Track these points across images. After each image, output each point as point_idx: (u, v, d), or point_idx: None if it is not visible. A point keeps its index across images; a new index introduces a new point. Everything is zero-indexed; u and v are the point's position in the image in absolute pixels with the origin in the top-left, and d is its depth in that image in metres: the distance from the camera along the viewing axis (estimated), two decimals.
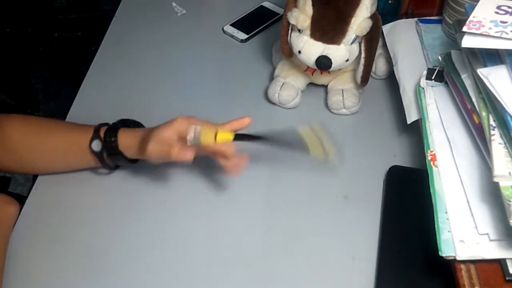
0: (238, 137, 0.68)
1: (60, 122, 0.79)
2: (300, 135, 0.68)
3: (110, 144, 0.70)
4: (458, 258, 0.58)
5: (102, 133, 0.71)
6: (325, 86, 0.90)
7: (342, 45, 0.79)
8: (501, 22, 0.60)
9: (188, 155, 0.66)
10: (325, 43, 0.78)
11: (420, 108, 0.75)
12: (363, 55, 0.81)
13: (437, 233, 0.60)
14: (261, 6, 1.08)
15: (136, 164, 0.75)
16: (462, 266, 0.58)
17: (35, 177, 0.78)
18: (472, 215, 0.60)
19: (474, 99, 0.66)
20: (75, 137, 0.72)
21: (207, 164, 0.80)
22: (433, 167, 0.66)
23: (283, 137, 0.69)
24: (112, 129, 0.71)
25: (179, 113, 0.87)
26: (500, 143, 0.58)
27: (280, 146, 0.69)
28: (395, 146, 0.81)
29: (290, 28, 0.82)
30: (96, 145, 0.71)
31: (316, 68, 0.81)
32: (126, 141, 0.70)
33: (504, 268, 0.57)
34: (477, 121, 0.65)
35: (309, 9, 0.78)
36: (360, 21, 0.77)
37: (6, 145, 0.71)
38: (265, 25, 1.04)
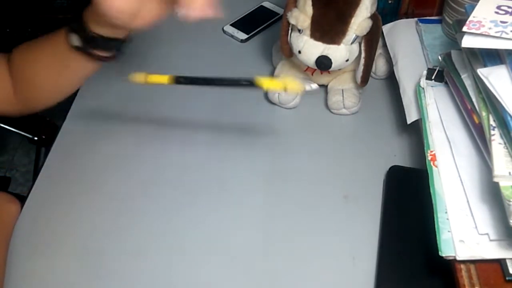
0: (180, 80, 0.63)
1: (40, 39, 0.74)
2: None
3: (82, 31, 0.65)
4: (458, 258, 0.58)
5: (70, 28, 0.66)
6: (325, 86, 0.90)
7: (342, 45, 0.79)
8: (501, 22, 0.60)
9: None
10: (325, 43, 0.78)
11: (420, 108, 0.75)
12: (363, 55, 0.81)
13: (437, 233, 0.60)
14: (261, 6, 1.08)
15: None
16: (462, 266, 0.58)
17: (35, 177, 0.78)
18: (472, 215, 0.60)
19: (474, 99, 0.66)
20: (53, 45, 0.69)
21: (207, 164, 0.80)
22: (433, 167, 0.66)
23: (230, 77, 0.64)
24: (75, 18, 0.65)
25: (178, 112, 0.88)
26: (500, 143, 0.58)
27: (225, 84, 0.65)
28: (395, 146, 0.81)
29: (290, 28, 0.82)
30: (73, 39, 0.66)
31: (316, 68, 0.81)
32: (90, 16, 0.64)
33: (504, 268, 0.57)
34: (477, 121, 0.65)
35: (309, 9, 0.78)
36: (360, 21, 0.77)
37: (14, 72, 0.71)
38: (265, 25, 1.04)
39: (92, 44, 0.67)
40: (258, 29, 1.03)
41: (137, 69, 0.96)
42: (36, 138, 1.15)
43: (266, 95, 0.88)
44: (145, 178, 0.78)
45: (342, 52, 0.79)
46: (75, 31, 0.66)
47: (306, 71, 0.88)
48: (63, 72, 0.72)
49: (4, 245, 0.68)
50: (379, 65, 0.90)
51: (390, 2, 0.95)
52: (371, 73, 0.88)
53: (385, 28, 0.91)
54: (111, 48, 0.69)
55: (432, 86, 0.76)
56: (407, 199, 0.72)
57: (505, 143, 0.58)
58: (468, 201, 0.62)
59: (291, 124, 0.87)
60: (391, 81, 0.90)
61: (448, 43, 0.86)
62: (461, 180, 0.64)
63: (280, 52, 0.87)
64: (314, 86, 0.65)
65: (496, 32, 0.59)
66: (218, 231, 0.72)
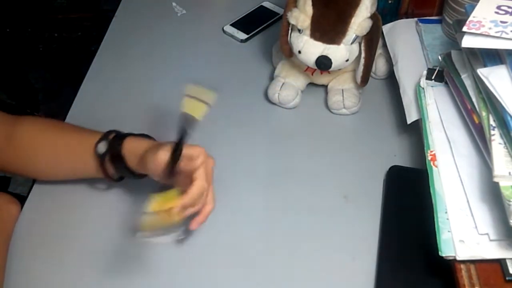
0: (170, 166, 0.61)
1: (71, 125, 0.76)
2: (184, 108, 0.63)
3: (114, 147, 0.66)
4: (458, 258, 0.58)
5: (111, 136, 0.68)
6: (325, 86, 0.90)
7: (342, 45, 0.79)
8: (501, 22, 0.60)
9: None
10: (325, 43, 0.78)
11: (420, 108, 0.75)
12: (363, 55, 0.81)
13: (437, 233, 0.60)
14: (261, 6, 1.08)
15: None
16: (462, 266, 0.58)
17: None
18: (472, 215, 0.60)
19: (474, 99, 0.66)
20: (83, 137, 0.70)
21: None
22: (433, 167, 0.66)
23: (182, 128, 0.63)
24: (121, 135, 0.68)
25: (178, 112, 0.88)
26: (500, 143, 0.58)
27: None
28: (395, 146, 0.81)
29: (290, 28, 0.82)
30: (102, 147, 0.67)
31: (316, 68, 0.81)
32: (130, 147, 0.66)
33: (504, 268, 0.57)
34: (477, 121, 0.65)
35: (309, 9, 0.78)
36: (360, 21, 0.77)
37: (16, 144, 0.70)
38: (265, 25, 1.04)
39: (113, 163, 0.68)
40: (258, 29, 1.03)
41: (137, 69, 0.97)
42: None
43: (266, 95, 0.88)
44: (145, 178, 0.77)
45: (342, 52, 0.79)
46: (107, 141, 0.67)
47: (306, 71, 0.88)
48: (70, 164, 0.72)
49: (4, 245, 0.68)
50: (379, 65, 0.90)
51: (390, 2, 0.95)
52: (371, 73, 0.88)
53: (385, 28, 0.91)
54: (127, 175, 0.70)
55: (432, 86, 0.76)
56: (407, 199, 0.72)
57: (505, 143, 0.58)
58: (468, 201, 0.62)
59: (291, 124, 0.87)
60: (391, 81, 0.90)
61: (448, 43, 0.86)
62: (461, 180, 0.64)
63: (280, 52, 0.87)
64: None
65: (496, 32, 0.59)
66: (218, 231, 0.71)
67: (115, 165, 0.68)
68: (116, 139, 0.67)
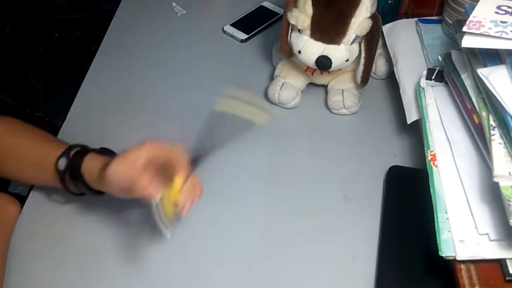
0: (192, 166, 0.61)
1: (43, 133, 0.74)
2: (222, 112, 0.63)
3: (73, 164, 0.65)
4: (458, 258, 0.58)
5: (72, 153, 0.66)
6: (325, 86, 0.90)
7: (342, 45, 0.79)
8: (501, 22, 0.60)
9: (155, 191, 0.58)
10: (325, 43, 0.78)
11: (420, 108, 0.75)
12: (363, 55, 0.81)
13: (437, 233, 0.60)
14: (261, 6, 1.08)
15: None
16: (462, 266, 0.58)
17: None
18: (472, 215, 0.60)
19: (474, 99, 0.66)
20: (47, 150, 0.69)
21: (206, 163, 0.80)
22: (433, 167, 0.66)
23: (221, 134, 0.64)
24: (82, 151, 0.66)
25: (178, 112, 0.88)
26: (500, 143, 0.58)
27: (226, 142, 0.63)
28: (395, 146, 0.81)
29: (290, 28, 0.82)
30: (62, 163, 0.66)
31: (316, 68, 0.81)
32: (90, 164, 0.65)
33: (504, 268, 0.57)
34: (477, 121, 0.65)
35: (309, 9, 0.78)
36: (360, 21, 0.77)
37: None
38: (265, 25, 1.04)
39: (73, 180, 0.66)
40: (258, 29, 1.03)
41: (137, 69, 0.97)
42: None
43: (266, 95, 0.88)
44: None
45: (342, 52, 0.79)
46: (67, 158, 0.66)
47: (306, 71, 0.88)
48: (34, 174, 0.71)
49: (4, 245, 0.68)
50: (379, 65, 0.90)
51: (390, 2, 0.95)
52: (371, 73, 0.88)
53: (385, 28, 0.91)
54: (86, 192, 0.68)
55: (432, 86, 0.76)
56: (407, 199, 0.72)
57: (505, 143, 0.58)
58: (468, 201, 0.62)
59: (291, 124, 0.87)
60: (391, 81, 0.90)
61: (448, 43, 0.86)
62: (461, 180, 0.64)
63: (280, 52, 0.87)
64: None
65: (496, 32, 0.59)
66: (218, 231, 0.72)
67: (74, 182, 0.67)
68: (77, 155, 0.66)
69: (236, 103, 0.63)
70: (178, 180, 0.60)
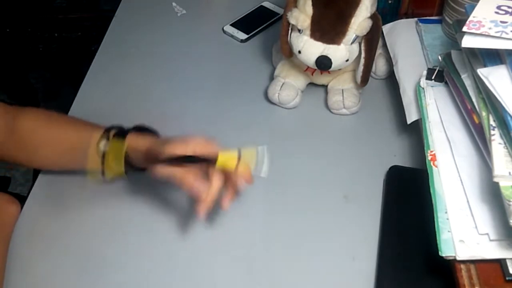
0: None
1: (73, 118, 0.77)
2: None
3: (118, 147, 0.67)
4: (458, 258, 0.58)
5: (111, 134, 0.68)
6: (325, 86, 0.90)
7: (342, 45, 0.79)
8: (501, 22, 0.60)
9: (202, 188, 0.61)
10: (325, 43, 0.78)
11: (420, 108, 0.75)
12: (363, 55, 0.81)
13: (437, 233, 0.60)
14: (261, 6, 1.08)
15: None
16: (462, 266, 0.58)
17: (35, 177, 0.78)
18: (472, 215, 0.60)
19: (474, 99, 0.66)
20: (85, 133, 0.70)
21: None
22: (433, 167, 0.66)
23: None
24: (122, 132, 0.69)
25: (178, 112, 0.88)
26: (500, 143, 0.58)
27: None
28: (395, 146, 0.81)
29: (290, 28, 0.82)
30: (103, 146, 0.68)
31: (316, 68, 0.81)
32: (134, 144, 0.67)
33: (504, 268, 0.57)
34: (477, 121, 0.65)
35: (309, 9, 0.78)
36: (360, 21, 0.77)
37: (18, 136, 0.70)
38: (265, 25, 1.04)
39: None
40: (258, 29, 1.03)
41: (137, 69, 0.97)
42: None
43: (266, 95, 0.88)
44: (144, 178, 0.77)
45: (342, 52, 0.79)
46: (108, 140, 0.67)
47: (306, 71, 0.88)
48: (73, 158, 0.72)
49: (4, 245, 0.68)
50: (379, 65, 0.90)
51: (390, 2, 0.95)
52: (371, 73, 0.88)
53: (385, 28, 0.91)
54: (129, 170, 0.70)
55: (432, 86, 0.76)
56: (407, 199, 0.72)
57: (505, 143, 0.58)
58: (468, 201, 0.62)
59: (291, 124, 0.87)
60: (391, 81, 0.90)
61: (448, 43, 0.86)
62: (461, 180, 0.64)
63: (280, 52, 0.87)
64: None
65: (496, 32, 0.59)
66: (218, 231, 0.71)
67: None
68: (117, 137, 0.68)
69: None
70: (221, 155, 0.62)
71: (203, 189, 0.62)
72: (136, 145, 0.67)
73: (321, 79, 0.89)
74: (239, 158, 0.62)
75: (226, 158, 0.62)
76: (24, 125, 0.71)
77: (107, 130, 0.69)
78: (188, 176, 0.62)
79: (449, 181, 0.64)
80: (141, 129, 0.71)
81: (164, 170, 0.63)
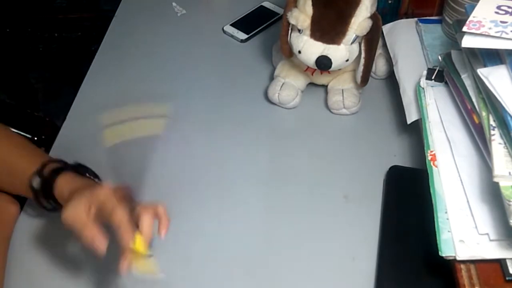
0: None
1: (22, 143, 0.72)
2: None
3: (46, 185, 0.64)
4: (458, 258, 0.58)
5: (46, 171, 0.65)
6: (325, 86, 0.90)
7: (342, 45, 0.79)
8: (501, 22, 0.60)
9: (101, 246, 0.57)
10: (325, 43, 0.78)
11: (420, 108, 0.75)
12: (363, 55, 0.81)
13: (437, 233, 0.60)
14: (261, 6, 1.08)
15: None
16: (462, 266, 0.58)
17: None
18: (472, 215, 0.60)
19: (474, 99, 0.66)
20: (23, 164, 0.67)
21: (206, 164, 0.80)
22: (433, 167, 0.66)
23: None
24: (56, 171, 0.65)
25: (178, 112, 0.88)
26: (500, 143, 0.58)
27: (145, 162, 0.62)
28: (395, 146, 0.81)
29: (290, 28, 0.82)
30: (35, 182, 0.65)
31: (316, 68, 0.81)
32: (61, 188, 0.64)
33: (504, 268, 0.57)
34: (477, 121, 0.65)
35: (309, 9, 0.78)
36: (360, 21, 0.77)
37: None
38: (265, 25, 1.04)
39: (47, 199, 0.66)
40: (258, 29, 1.03)
41: (137, 69, 0.97)
42: (36, 138, 1.15)
43: (266, 95, 0.88)
44: (148, 178, 0.77)
45: (342, 52, 0.79)
46: (42, 177, 0.65)
47: (306, 71, 0.88)
48: (11, 183, 0.70)
49: (4, 245, 0.68)
50: (379, 65, 0.90)
51: (390, 2, 0.95)
52: (371, 73, 0.88)
53: (385, 28, 0.91)
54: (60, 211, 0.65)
55: (432, 86, 0.76)
56: (407, 199, 0.72)
57: (505, 143, 0.58)
58: (468, 201, 0.62)
59: (291, 124, 0.87)
60: (391, 81, 0.90)
61: (448, 43, 0.86)
62: (461, 180, 0.64)
63: (280, 52, 0.87)
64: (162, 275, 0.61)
65: (496, 32, 0.59)
66: (217, 231, 0.71)
67: (47, 199, 0.66)
68: (51, 174, 0.65)
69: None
70: (138, 238, 0.58)
71: (103, 247, 0.57)
72: (65, 187, 0.63)
73: (321, 79, 0.89)
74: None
75: (139, 243, 0.58)
76: None
77: (43, 167, 0.66)
78: (90, 227, 0.58)
79: (449, 181, 0.64)
80: (80, 169, 0.68)
81: (66, 217, 0.59)
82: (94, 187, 0.60)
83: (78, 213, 0.58)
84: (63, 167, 0.67)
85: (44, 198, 0.66)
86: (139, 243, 0.57)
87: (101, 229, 0.57)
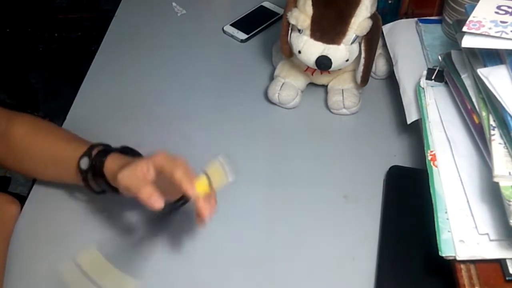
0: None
1: (64, 131, 0.76)
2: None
3: (96, 165, 0.66)
4: (458, 258, 0.58)
5: (94, 152, 0.67)
6: (325, 86, 0.90)
7: (342, 45, 0.79)
8: (501, 22, 0.60)
9: (158, 203, 0.58)
10: (325, 43, 0.78)
11: (420, 108, 0.75)
12: (363, 55, 0.81)
13: (437, 233, 0.60)
14: (261, 6, 1.08)
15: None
16: (462, 266, 0.58)
17: None
18: (472, 215, 0.60)
19: (474, 99, 0.66)
20: (69, 149, 0.69)
21: (206, 164, 0.80)
22: (433, 167, 0.66)
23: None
24: (104, 151, 0.67)
25: (178, 112, 0.88)
26: (500, 143, 0.58)
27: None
28: (395, 146, 0.81)
29: (290, 28, 0.82)
30: (84, 163, 0.67)
31: (316, 68, 0.81)
32: (111, 165, 0.65)
33: (504, 268, 0.57)
34: (477, 121, 0.65)
35: (309, 9, 0.78)
36: (360, 21, 0.77)
37: (7, 141, 0.70)
38: (265, 25, 1.04)
39: (95, 178, 0.67)
40: (258, 29, 1.03)
41: (137, 69, 0.97)
42: None
43: (266, 95, 0.88)
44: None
45: (342, 52, 0.79)
46: (90, 158, 0.66)
47: (306, 71, 0.88)
48: (57, 171, 0.71)
49: (4, 245, 0.68)
50: (379, 65, 0.90)
51: (390, 2, 0.95)
52: (371, 73, 0.88)
53: (385, 28, 0.91)
54: (108, 190, 0.69)
55: (432, 86, 0.76)
56: (407, 199, 0.72)
57: (505, 143, 0.58)
58: (468, 201, 0.62)
59: (291, 124, 0.87)
60: (391, 81, 0.90)
61: (448, 43, 0.86)
62: (461, 180, 0.64)
63: (280, 52, 0.87)
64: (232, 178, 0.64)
65: (496, 32, 0.59)
66: (217, 231, 0.71)
67: (97, 181, 0.67)
68: (99, 155, 0.66)
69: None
70: (197, 183, 0.62)
71: (159, 204, 0.59)
72: (114, 166, 0.65)
73: (321, 79, 0.89)
74: (209, 179, 0.63)
75: (199, 186, 0.62)
76: (15, 130, 0.71)
77: (90, 148, 0.67)
78: (147, 186, 0.59)
79: (449, 181, 0.64)
80: (126, 151, 0.69)
81: (122, 177, 0.60)
82: (148, 156, 0.62)
83: (135, 173, 0.60)
84: (110, 149, 0.68)
85: (93, 178, 0.67)
86: (200, 185, 0.62)
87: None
